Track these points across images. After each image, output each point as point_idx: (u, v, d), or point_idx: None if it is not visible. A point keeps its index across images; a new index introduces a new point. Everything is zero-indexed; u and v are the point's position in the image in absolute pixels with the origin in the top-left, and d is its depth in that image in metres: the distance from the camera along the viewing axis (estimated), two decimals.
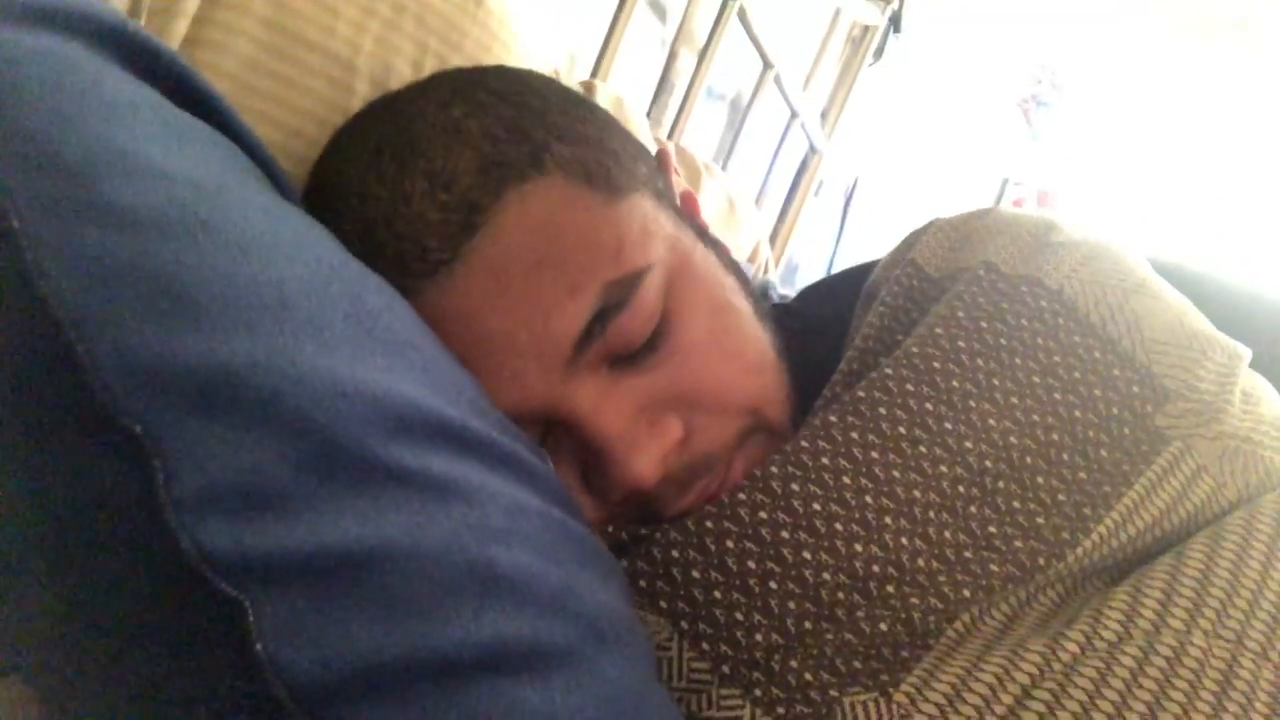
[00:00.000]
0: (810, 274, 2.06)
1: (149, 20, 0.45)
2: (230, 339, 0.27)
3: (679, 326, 0.44)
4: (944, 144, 2.70)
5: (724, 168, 1.30)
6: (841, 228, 2.27)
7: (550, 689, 0.28)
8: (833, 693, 0.36)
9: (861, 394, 0.43)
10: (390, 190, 0.41)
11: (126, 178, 0.29)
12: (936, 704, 0.35)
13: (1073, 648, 0.36)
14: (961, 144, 2.83)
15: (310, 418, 0.27)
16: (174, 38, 0.47)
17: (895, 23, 1.63)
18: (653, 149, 0.55)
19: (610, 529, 0.43)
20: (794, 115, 1.40)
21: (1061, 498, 0.40)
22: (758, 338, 0.48)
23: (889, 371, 0.43)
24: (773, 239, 1.59)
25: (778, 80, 1.26)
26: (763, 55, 1.19)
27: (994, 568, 0.39)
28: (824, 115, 1.64)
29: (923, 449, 0.41)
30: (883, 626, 0.38)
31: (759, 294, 0.68)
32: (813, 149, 1.57)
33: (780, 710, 0.36)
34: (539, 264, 0.40)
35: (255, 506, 0.26)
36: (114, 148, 0.30)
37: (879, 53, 1.66)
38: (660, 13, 1.14)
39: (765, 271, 1.22)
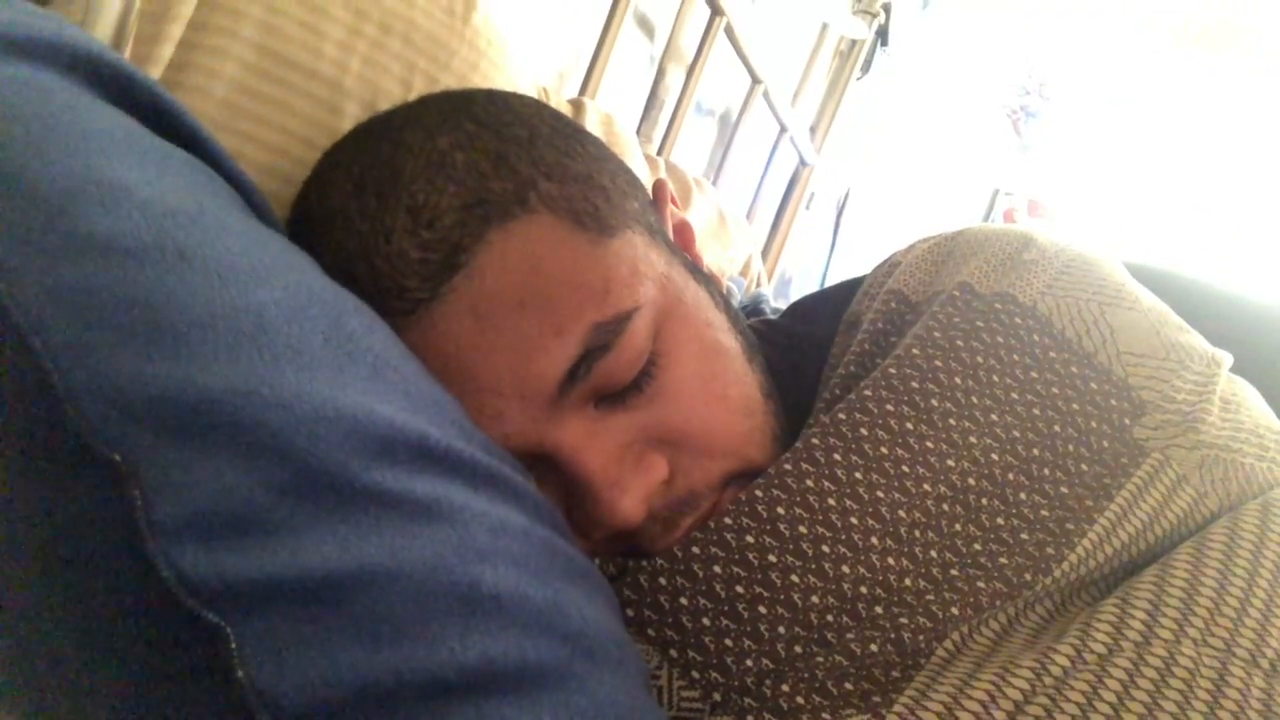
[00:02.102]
0: (804, 286, 2.06)
1: (135, 45, 0.46)
2: (209, 365, 0.27)
3: (666, 367, 0.43)
4: (935, 155, 2.71)
5: (714, 183, 1.30)
6: (834, 240, 2.28)
7: (538, 709, 0.28)
8: (825, 715, 0.36)
9: (843, 415, 0.43)
10: (371, 224, 0.41)
11: (102, 207, 0.29)
12: None
13: (1063, 661, 0.36)
14: (952, 155, 2.85)
15: (291, 442, 0.27)
16: (160, 62, 0.47)
17: (882, 36, 1.64)
18: (643, 166, 0.55)
19: (596, 563, 0.43)
20: (783, 129, 1.41)
21: (1044, 513, 0.40)
22: (746, 380, 0.47)
23: (868, 393, 0.43)
24: (765, 253, 1.59)
25: (766, 95, 1.26)
26: (751, 71, 1.20)
27: (981, 585, 0.39)
28: (813, 129, 1.65)
29: (905, 468, 0.41)
30: (873, 648, 0.38)
31: (752, 307, 0.68)
32: (803, 162, 1.57)
33: None
34: (522, 304, 0.40)
35: (236, 532, 0.26)
36: (89, 176, 0.30)
37: (866, 66, 1.67)
38: (648, 30, 1.14)
39: (758, 285, 1.22)
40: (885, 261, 0.54)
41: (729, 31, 1.07)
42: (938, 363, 0.44)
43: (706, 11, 1.04)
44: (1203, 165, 2.83)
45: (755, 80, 1.22)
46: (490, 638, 0.28)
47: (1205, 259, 2.74)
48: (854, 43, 1.64)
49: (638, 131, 1.10)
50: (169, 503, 0.25)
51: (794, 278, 2.02)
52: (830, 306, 0.55)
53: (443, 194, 0.41)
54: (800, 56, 1.56)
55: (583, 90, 0.91)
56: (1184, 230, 2.85)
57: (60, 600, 0.26)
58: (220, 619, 0.25)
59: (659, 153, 1.08)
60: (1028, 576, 0.39)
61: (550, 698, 0.28)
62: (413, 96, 0.56)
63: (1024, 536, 0.40)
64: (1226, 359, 0.47)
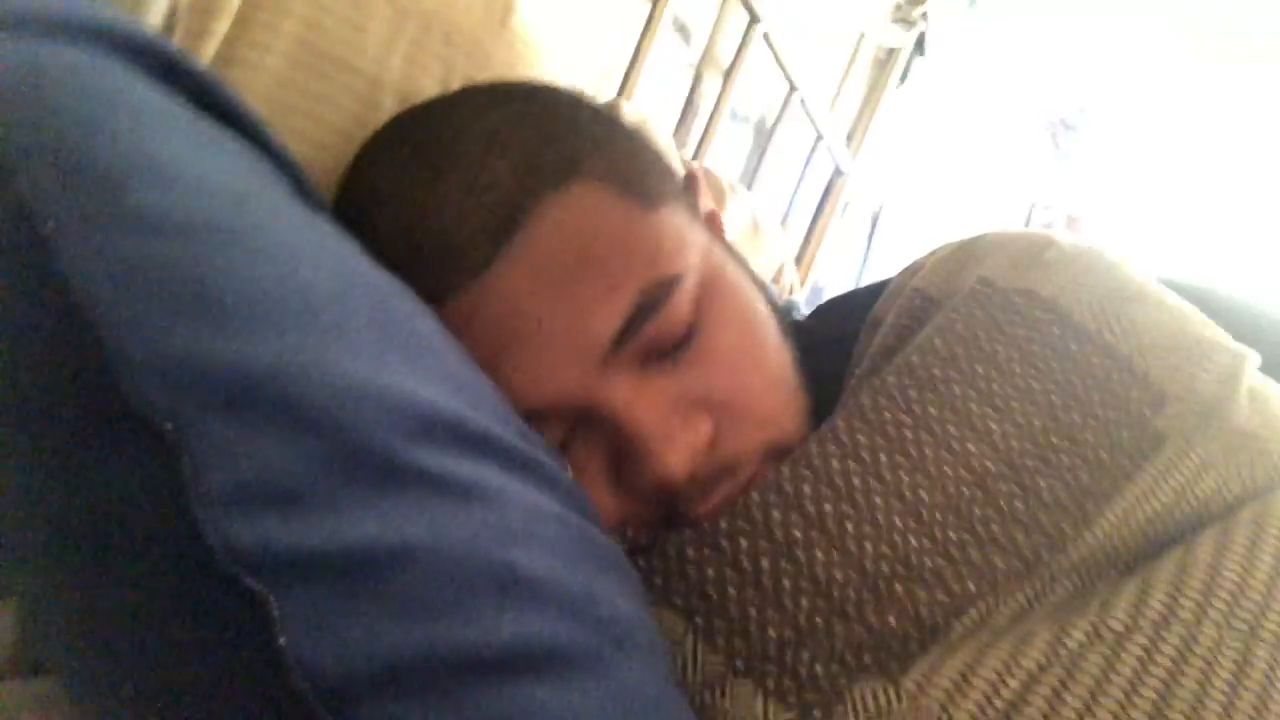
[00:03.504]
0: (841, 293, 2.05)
1: (181, 39, 0.47)
2: (257, 341, 0.28)
3: (710, 333, 0.45)
4: (971, 167, 2.70)
5: (749, 190, 1.30)
6: (868, 251, 2.27)
7: (569, 691, 0.28)
8: (842, 682, 0.37)
9: (867, 401, 0.44)
10: (427, 194, 0.42)
11: (156, 184, 0.30)
12: (944, 689, 0.35)
13: (1080, 636, 0.36)
14: (989, 167, 2.82)
15: (335, 419, 0.28)
16: (204, 57, 0.48)
17: (920, 46, 1.64)
18: (679, 172, 0.56)
19: (630, 532, 0.44)
20: (819, 137, 1.41)
21: (1063, 496, 0.40)
22: (781, 353, 0.49)
23: (892, 380, 0.44)
24: (798, 261, 1.58)
25: (803, 102, 1.26)
26: (788, 77, 1.20)
27: (998, 562, 0.39)
28: (849, 137, 1.64)
29: (928, 451, 0.41)
30: (891, 621, 0.38)
31: (783, 314, 0.68)
32: (838, 171, 1.57)
33: (791, 699, 0.37)
34: (577, 264, 0.41)
35: (281, 504, 0.26)
36: (143, 154, 0.30)
37: (904, 75, 1.66)
38: (685, 35, 1.15)
39: (790, 293, 1.22)
40: (910, 264, 0.55)
41: (766, 38, 1.07)
42: (959, 351, 0.44)
43: (744, 18, 1.05)
44: (1244, 182, 2.78)
45: (792, 87, 1.22)
46: (524, 619, 0.28)
47: (1246, 277, 2.69)
48: (891, 51, 1.64)
49: (673, 137, 1.11)
50: (217, 473, 0.26)
51: (825, 288, 2.01)
52: (855, 309, 0.56)
53: (497, 164, 0.42)
54: (837, 65, 1.56)
55: (619, 95, 0.91)
56: (1224, 248, 2.81)
57: (107, 566, 0.27)
58: (264, 587, 0.25)
59: (694, 158, 1.08)
60: (1044, 553, 0.39)
61: (580, 681, 0.28)
62: None
63: (1042, 517, 0.40)
64: (1254, 356, 0.46)
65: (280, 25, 0.50)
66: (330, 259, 0.33)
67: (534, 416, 0.41)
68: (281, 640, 0.24)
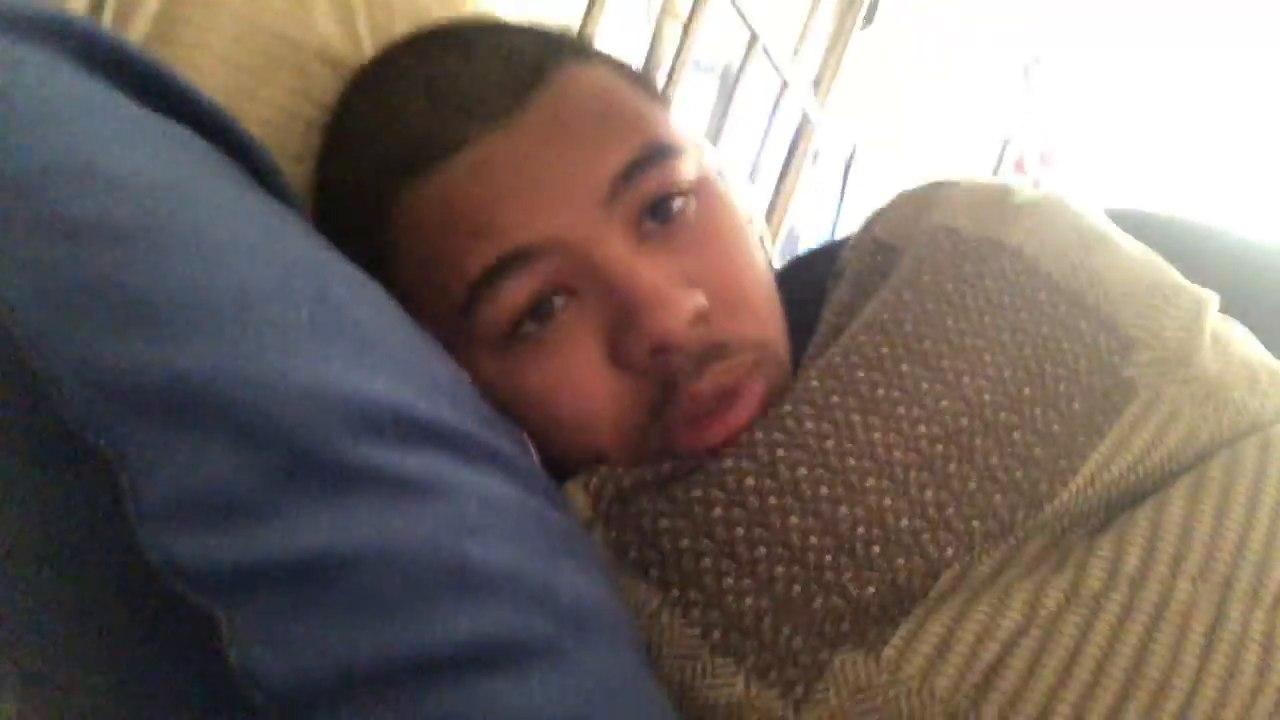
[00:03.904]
0: (813, 243, 2.04)
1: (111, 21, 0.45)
2: (191, 347, 0.27)
3: (705, 220, 0.46)
4: (943, 106, 2.67)
5: (715, 142, 1.29)
6: (842, 196, 2.25)
7: (530, 683, 0.28)
8: (823, 655, 0.37)
9: (839, 358, 0.43)
10: (456, 54, 0.46)
11: (78, 187, 0.29)
12: (925, 656, 0.36)
13: (1057, 597, 0.36)
14: (960, 106, 2.80)
15: (276, 423, 0.27)
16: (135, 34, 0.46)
17: None
18: None
19: (602, 483, 0.43)
20: (785, 85, 1.39)
21: (1038, 451, 0.40)
22: (768, 271, 0.49)
23: (863, 337, 0.44)
24: (770, 211, 1.57)
25: (765, 50, 1.24)
26: (748, 25, 1.18)
27: (975, 524, 0.39)
28: (816, 83, 1.62)
29: (901, 409, 0.41)
30: (870, 589, 0.38)
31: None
32: (806, 118, 1.55)
33: (772, 675, 0.37)
34: (591, 119, 0.44)
35: (224, 515, 0.26)
36: (63, 155, 0.29)
37: (870, 17, 1.64)
38: None
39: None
40: (872, 212, 0.55)
41: None
42: (929, 305, 0.44)
43: None
44: (1215, 111, 2.78)
45: (754, 35, 1.20)
46: (481, 614, 0.28)
47: (1218, 204, 2.71)
48: None
49: None
50: (155, 488, 0.25)
51: (802, 234, 2.00)
52: (821, 262, 0.56)
53: (521, 37, 0.47)
54: (800, 8, 1.54)
55: None
56: (1196, 177, 2.81)
57: (51, 587, 0.26)
58: (210, 603, 0.25)
59: None
60: (1020, 515, 0.39)
61: (541, 672, 0.28)
62: None
63: (1018, 475, 0.40)
64: (1212, 296, 0.47)
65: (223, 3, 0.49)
66: (269, 249, 0.32)
67: (522, 260, 0.41)
68: (232, 656, 0.24)
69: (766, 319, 0.46)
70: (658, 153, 0.44)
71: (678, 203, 0.44)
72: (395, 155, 0.44)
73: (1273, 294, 0.62)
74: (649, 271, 0.42)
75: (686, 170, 0.45)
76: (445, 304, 0.43)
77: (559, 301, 0.42)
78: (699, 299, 0.43)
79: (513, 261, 0.41)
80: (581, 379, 0.42)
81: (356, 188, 0.46)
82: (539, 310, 0.42)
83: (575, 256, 0.42)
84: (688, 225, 0.45)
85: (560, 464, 0.44)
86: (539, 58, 0.45)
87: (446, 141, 0.43)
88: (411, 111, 0.44)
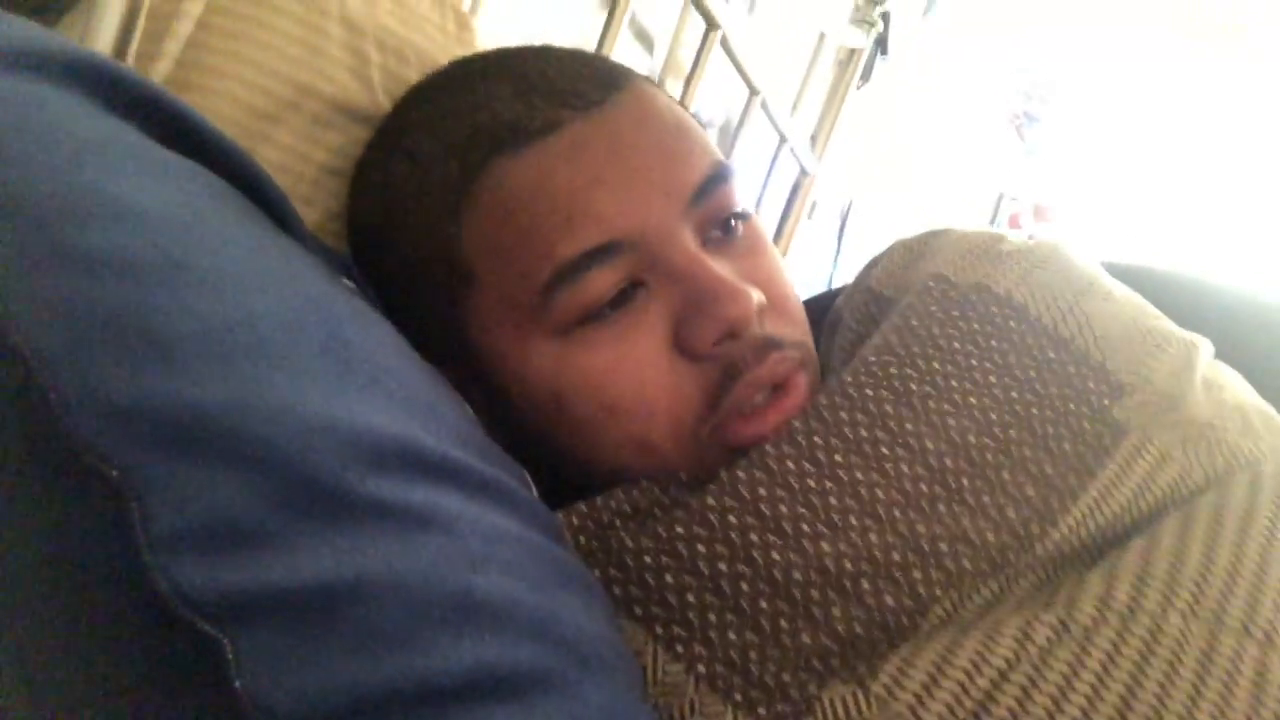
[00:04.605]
0: (808, 294, 2.06)
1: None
2: (203, 378, 0.28)
3: (754, 238, 0.50)
4: (938, 162, 2.71)
5: None
6: (838, 249, 2.27)
7: (531, 714, 0.28)
8: (811, 689, 0.37)
9: (824, 400, 0.44)
10: (536, 57, 0.50)
11: (96, 220, 0.30)
12: (914, 692, 0.36)
13: (1047, 632, 0.36)
14: (955, 161, 2.84)
15: (285, 455, 0.28)
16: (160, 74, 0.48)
17: (881, 45, 1.65)
18: None
19: (582, 521, 0.43)
20: (783, 140, 1.41)
21: (1029, 491, 0.41)
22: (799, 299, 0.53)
23: (848, 379, 0.45)
24: None
25: (764, 106, 1.27)
26: (748, 82, 1.20)
27: (966, 563, 0.39)
28: (813, 139, 1.65)
29: (884, 450, 0.42)
30: (858, 629, 0.38)
31: None
32: (804, 172, 1.58)
33: (761, 710, 0.37)
34: (671, 126, 0.48)
35: (232, 545, 0.26)
36: (82, 190, 0.30)
37: (866, 75, 1.67)
38: (647, 44, 1.15)
39: None
40: (869, 261, 0.56)
41: (724, 44, 1.07)
42: (915, 349, 0.45)
43: (703, 25, 1.05)
44: (1208, 164, 2.82)
45: (752, 91, 1.22)
46: (484, 645, 0.28)
47: (1212, 258, 2.73)
48: (853, 52, 1.65)
49: None
50: (166, 516, 0.25)
51: (797, 287, 2.01)
52: (816, 311, 0.56)
53: (589, 55, 0.52)
54: (799, 67, 1.57)
55: None
56: (1190, 230, 2.84)
57: (59, 613, 0.26)
58: (217, 631, 0.25)
59: None
60: (1011, 555, 0.39)
61: (543, 703, 0.28)
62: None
63: (1009, 513, 0.40)
64: (1206, 344, 0.48)
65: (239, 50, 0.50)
66: (281, 285, 0.33)
67: (613, 250, 0.44)
68: (238, 683, 0.24)
69: (805, 327, 0.51)
70: (725, 173, 0.48)
71: (735, 221, 0.49)
72: (486, 132, 0.46)
73: (1265, 345, 0.62)
74: (719, 267, 0.46)
75: (738, 191, 0.49)
76: (521, 282, 0.45)
77: (634, 288, 0.45)
78: (760, 294, 0.46)
79: (602, 252, 0.44)
80: (645, 363, 0.45)
81: (433, 162, 0.48)
82: (617, 299, 0.45)
83: (655, 249, 0.45)
84: (740, 241, 0.49)
85: (585, 477, 0.46)
86: (614, 70, 0.49)
87: (540, 124, 0.46)
88: (501, 97, 0.47)
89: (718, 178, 0.48)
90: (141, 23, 0.44)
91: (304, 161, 0.52)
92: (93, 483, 0.26)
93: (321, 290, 0.35)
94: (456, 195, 0.46)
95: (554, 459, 0.48)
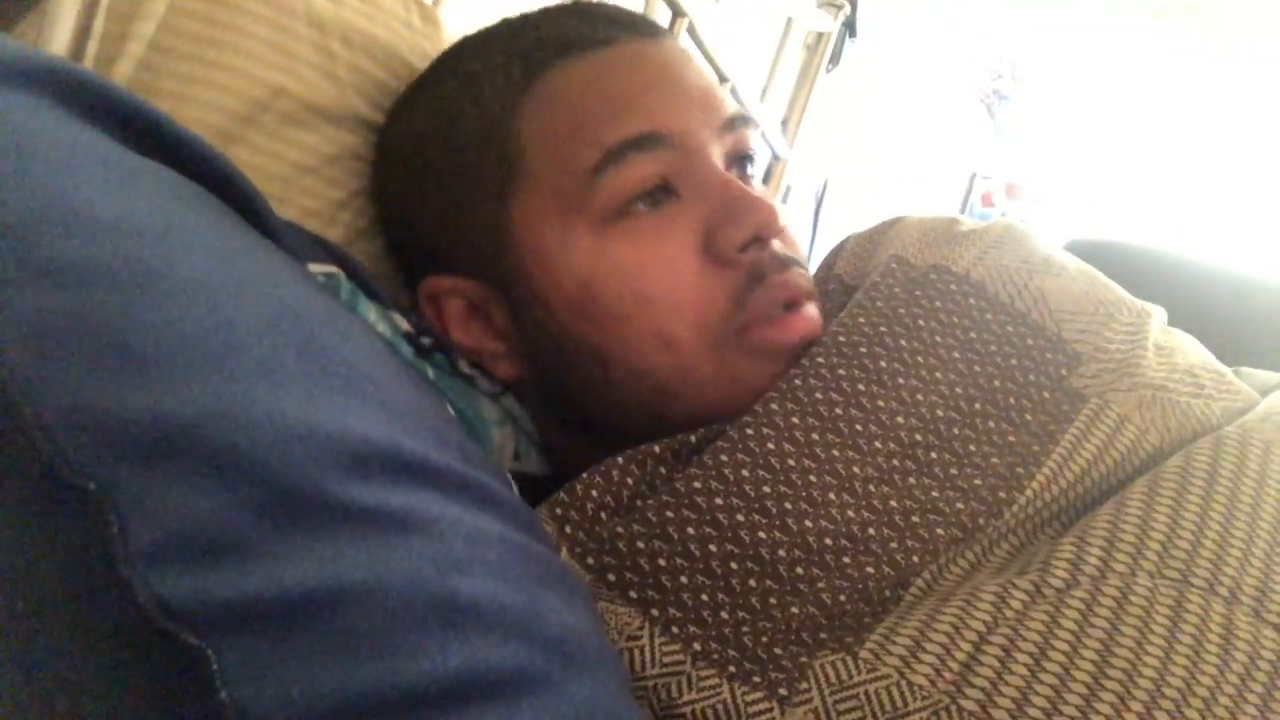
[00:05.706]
0: None
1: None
2: (178, 389, 0.28)
3: (761, 182, 0.54)
4: (911, 141, 2.73)
5: None
6: (814, 231, 2.28)
7: (518, 715, 0.28)
8: (802, 659, 0.38)
9: (799, 381, 0.46)
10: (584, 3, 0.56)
11: (65, 231, 0.29)
12: (900, 655, 0.37)
13: (1023, 596, 0.38)
14: (928, 140, 2.86)
15: (264, 463, 0.28)
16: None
17: (850, 28, 1.65)
18: None
19: (565, 511, 0.44)
20: (754, 125, 1.41)
21: (995, 460, 0.43)
22: None
23: (821, 360, 0.46)
24: None
25: (734, 92, 1.27)
26: (717, 69, 1.20)
27: (940, 531, 0.41)
28: (784, 123, 1.65)
29: (859, 427, 0.44)
30: (842, 598, 0.40)
31: None
32: (776, 157, 1.58)
33: (756, 679, 0.38)
34: (704, 72, 0.54)
35: (213, 555, 0.26)
36: (51, 201, 0.30)
37: (835, 58, 1.67)
38: None
39: None
40: (834, 248, 0.59)
41: (692, 31, 1.07)
42: (883, 329, 0.47)
43: (669, 13, 1.05)
44: (1177, 139, 2.85)
45: (721, 78, 1.22)
46: (469, 647, 0.28)
47: (1182, 234, 2.76)
48: (821, 35, 1.65)
49: None
50: (145, 528, 0.25)
51: None
52: None
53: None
54: (768, 52, 1.57)
55: None
56: (1161, 205, 2.87)
57: (40, 628, 0.26)
58: (200, 641, 0.25)
59: None
60: (981, 520, 0.41)
61: (530, 703, 0.29)
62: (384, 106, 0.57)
63: (977, 482, 0.42)
64: (1159, 311, 0.50)
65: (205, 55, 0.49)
66: (256, 291, 0.33)
67: (655, 141, 0.48)
68: (223, 694, 0.24)
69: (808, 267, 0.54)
70: (749, 119, 0.53)
71: (750, 165, 0.54)
72: (550, 41, 0.51)
73: (1224, 311, 0.66)
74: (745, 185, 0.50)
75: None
76: (571, 168, 0.48)
77: (667, 195, 0.49)
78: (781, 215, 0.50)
79: (646, 140, 0.48)
80: (676, 262, 0.48)
81: (493, 70, 0.52)
82: (653, 194, 0.48)
83: (691, 154, 0.49)
84: (751, 181, 0.54)
85: (607, 391, 0.49)
86: (657, 24, 0.55)
87: (602, 37, 0.51)
88: (564, 19, 0.53)
89: (742, 119, 0.53)
90: (99, 25, 0.43)
91: (277, 161, 0.52)
92: (71, 497, 0.26)
93: (296, 295, 0.35)
94: (518, 93, 0.50)
95: (578, 374, 0.50)
